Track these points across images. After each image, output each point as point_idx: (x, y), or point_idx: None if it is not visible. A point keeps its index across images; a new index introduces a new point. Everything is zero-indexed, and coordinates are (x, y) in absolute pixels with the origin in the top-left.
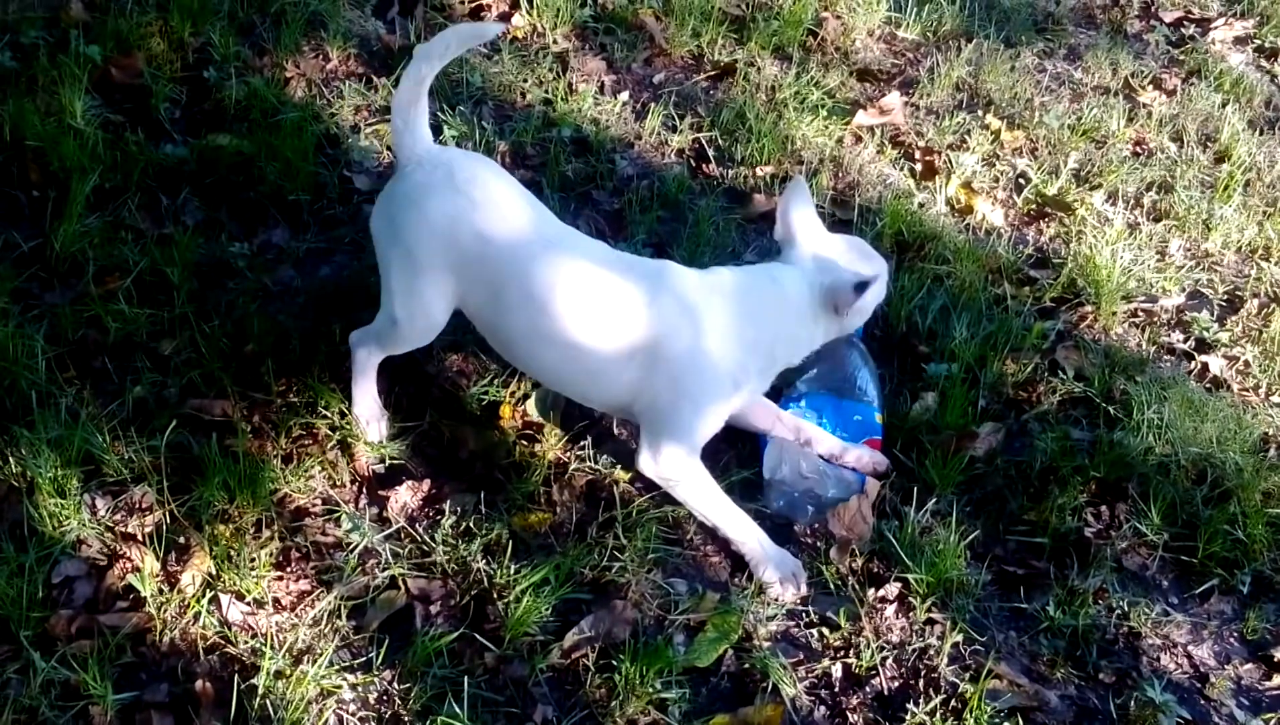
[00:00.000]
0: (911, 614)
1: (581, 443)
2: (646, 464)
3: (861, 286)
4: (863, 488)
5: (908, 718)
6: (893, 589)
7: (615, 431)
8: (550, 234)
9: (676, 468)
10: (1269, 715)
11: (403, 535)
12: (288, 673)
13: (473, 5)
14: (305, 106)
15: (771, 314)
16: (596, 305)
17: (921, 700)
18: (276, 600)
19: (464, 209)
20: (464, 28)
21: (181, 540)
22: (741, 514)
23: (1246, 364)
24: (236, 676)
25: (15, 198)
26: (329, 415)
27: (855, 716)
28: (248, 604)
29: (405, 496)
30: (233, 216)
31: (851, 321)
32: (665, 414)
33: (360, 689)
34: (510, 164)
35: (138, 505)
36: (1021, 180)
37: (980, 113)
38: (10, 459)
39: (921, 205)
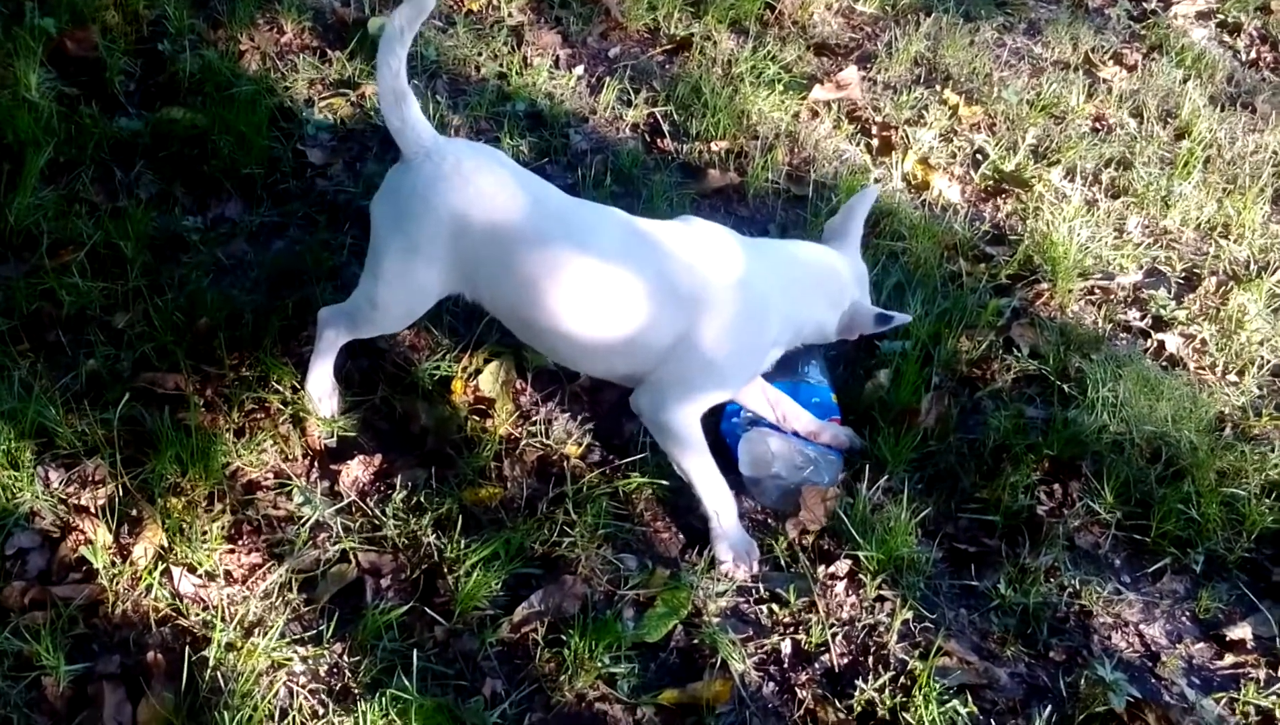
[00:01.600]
0: (862, 591)
1: (533, 418)
2: (651, 408)
3: (882, 320)
4: (841, 466)
5: (856, 694)
6: (843, 566)
7: (566, 408)
8: (574, 215)
9: (683, 423)
10: (1219, 695)
11: (354, 509)
12: (239, 645)
13: None
14: (260, 80)
15: (823, 292)
16: (636, 282)
17: (871, 677)
18: (228, 573)
19: (473, 199)
20: (402, 7)
21: (134, 513)
22: (723, 482)
23: (1203, 342)
24: (188, 648)
25: None
26: (281, 389)
27: (804, 693)
28: (199, 577)
29: (357, 471)
30: (187, 190)
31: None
32: (694, 372)
33: (311, 661)
34: (464, 137)
35: (91, 478)
36: (979, 156)
37: (938, 88)
38: None
39: (878, 180)
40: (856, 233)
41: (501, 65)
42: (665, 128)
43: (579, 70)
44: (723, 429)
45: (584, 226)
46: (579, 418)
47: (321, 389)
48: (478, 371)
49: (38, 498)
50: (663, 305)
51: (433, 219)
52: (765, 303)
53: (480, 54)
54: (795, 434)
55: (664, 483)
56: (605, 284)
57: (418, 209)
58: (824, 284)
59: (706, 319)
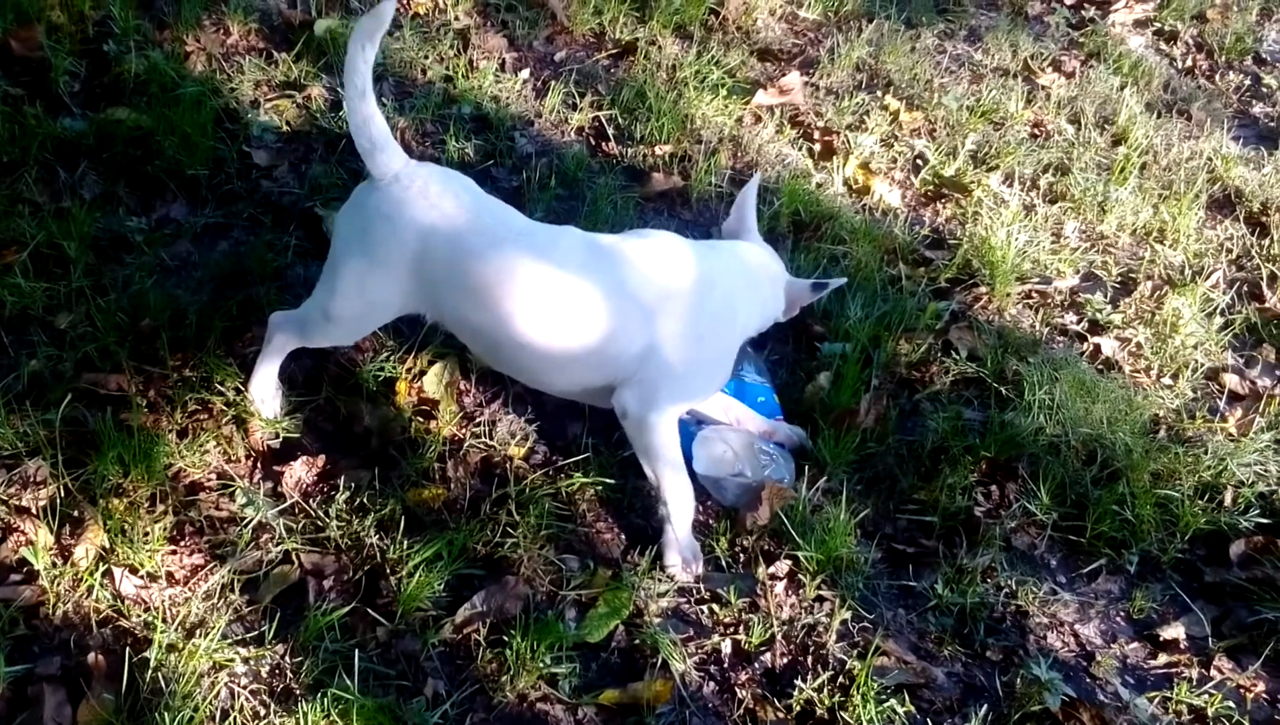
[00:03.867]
0: (801, 591)
1: (476, 420)
2: (639, 406)
3: (818, 287)
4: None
5: (795, 694)
6: (783, 566)
7: (509, 409)
8: (536, 235)
9: (667, 424)
10: (1153, 694)
11: (297, 510)
12: (180, 646)
13: None
14: (205, 81)
15: (768, 279)
16: (599, 294)
17: (810, 676)
18: (170, 574)
19: (439, 223)
20: (362, 22)
21: (75, 514)
22: (692, 494)
23: (1138, 346)
24: (129, 649)
25: None
26: (224, 391)
27: (744, 692)
28: (141, 578)
29: (300, 472)
30: (131, 191)
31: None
32: (674, 372)
33: (252, 662)
34: (409, 140)
35: (32, 479)
36: (919, 161)
37: (880, 93)
38: None
39: (819, 185)
40: (753, 221)
41: (448, 68)
42: (610, 131)
43: (525, 74)
44: None
45: (546, 245)
46: (523, 419)
47: (265, 391)
48: (422, 373)
49: None
50: (628, 314)
51: (398, 241)
52: (731, 299)
53: (427, 57)
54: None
55: (607, 481)
56: (570, 298)
57: (383, 230)
58: (766, 270)
59: (675, 323)
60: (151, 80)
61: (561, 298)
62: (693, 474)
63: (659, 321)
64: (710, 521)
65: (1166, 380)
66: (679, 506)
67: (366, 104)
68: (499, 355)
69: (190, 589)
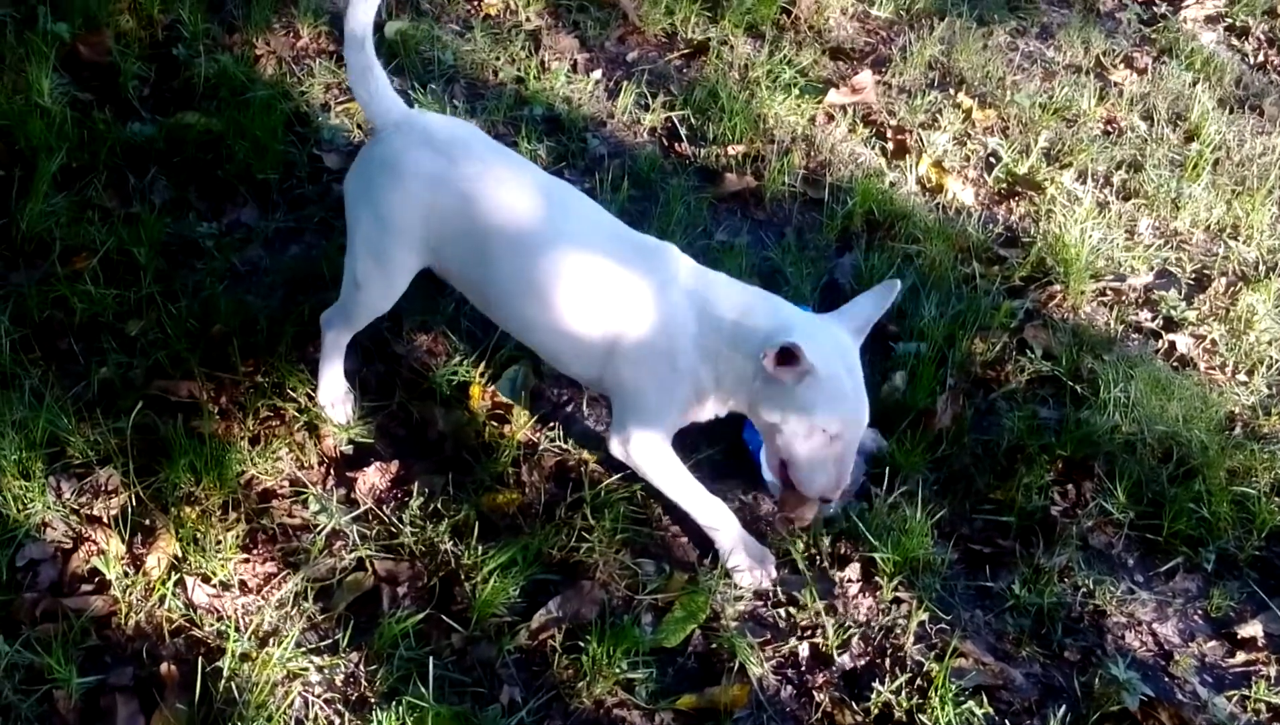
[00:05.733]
0: (878, 593)
1: (551, 423)
2: (620, 443)
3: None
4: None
5: (873, 696)
6: (859, 568)
7: (584, 412)
8: (547, 193)
9: (649, 450)
10: (1231, 693)
11: (370, 517)
12: (253, 655)
13: None
14: (275, 84)
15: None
16: (583, 271)
17: (887, 679)
18: (242, 582)
19: (443, 168)
20: None
21: (147, 523)
22: (712, 500)
23: (1213, 342)
24: (201, 659)
25: None
26: (296, 396)
27: (821, 695)
28: (213, 586)
29: (373, 478)
30: (201, 196)
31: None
32: (630, 395)
33: (326, 671)
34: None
35: (103, 487)
36: (992, 159)
37: (952, 91)
38: None
39: (892, 184)
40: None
41: (519, 69)
42: (682, 132)
43: (596, 74)
44: (744, 436)
45: (555, 206)
46: (598, 422)
47: (334, 395)
48: (495, 377)
49: (49, 508)
50: (598, 305)
51: (401, 189)
52: (673, 345)
53: (498, 58)
54: None
55: None
56: (561, 265)
57: (386, 180)
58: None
59: (626, 340)
60: (221, 84)
61: (552, 262)
62: (764, 479)
63: (618, 328)
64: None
65: (1241, 376)
66: (708, 519)
67: (365, 53)
68: (490, 310)
69: (263, 597)
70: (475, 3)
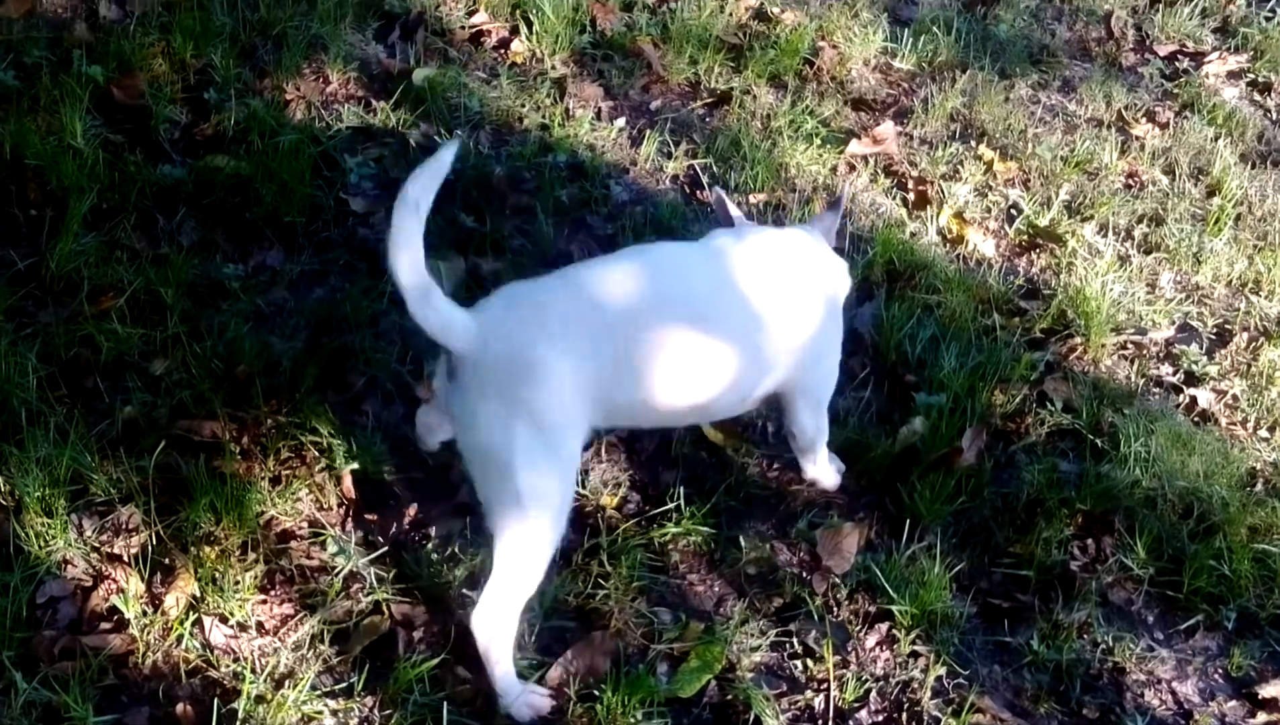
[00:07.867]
0: (896, 646)
1: None
2: (814, 421)
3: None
4: None
5: None
6: (877, 621)
7: (601, 458)
8: (630, 274)
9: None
10: None
11: (388, 559)
12: (269, 697)
13: (472, 30)
14: (304, 128)
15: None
16: (722, 307)
17: None
18: (260, 624)
19: (552, 337)
20: (418, 173)
21: (167, 562)
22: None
23: (1235, 398)
24: (217, 700)
25: (13, 216)
26: (318, 437)
27: None
28: (231, 627)
29: (392, 520)
30: (228, 238)
31: None
32: (814, 384)
33: (341, 714)
34: (506, 189)
35: (124, 526)
36: (1013, 211)
37: (973, 143)
38: None
39: (913, 234)
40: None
41: (544, 116)
42: (705, 180)
43: (620, 122)
44: None
45: (658, 271)
46: (615, 467)
47: (518, 688)
48: None
49: (70, 546)
50: (760, 320)
51: (541, 378)
52: (836, 295)
53: (523, 105)
54: None
55: (702, 530)
56: (706, 318)
57: (523, 375)
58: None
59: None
60: (251, 128)
61: (700, 314)
62: None
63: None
64: (803, 573)
65: (1263, 432)
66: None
67: (422, 274)
68: (677, 416)
69: (280, 639)
70: (502, 51)
